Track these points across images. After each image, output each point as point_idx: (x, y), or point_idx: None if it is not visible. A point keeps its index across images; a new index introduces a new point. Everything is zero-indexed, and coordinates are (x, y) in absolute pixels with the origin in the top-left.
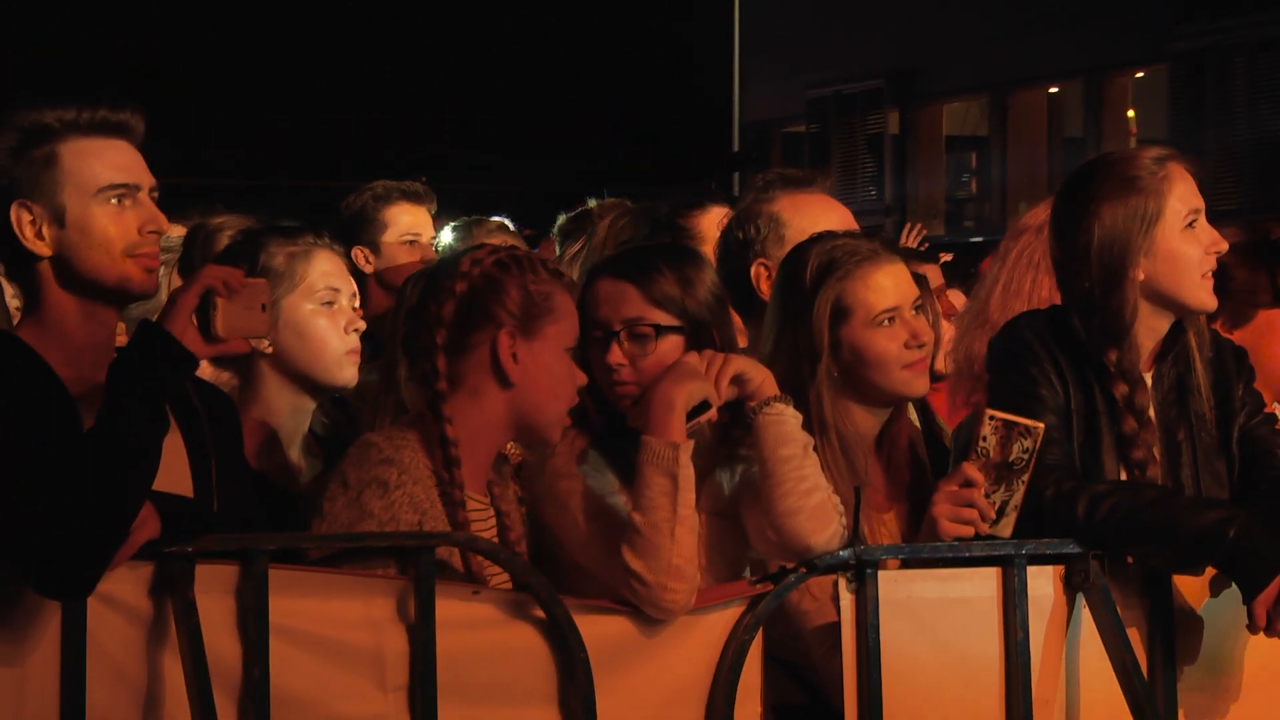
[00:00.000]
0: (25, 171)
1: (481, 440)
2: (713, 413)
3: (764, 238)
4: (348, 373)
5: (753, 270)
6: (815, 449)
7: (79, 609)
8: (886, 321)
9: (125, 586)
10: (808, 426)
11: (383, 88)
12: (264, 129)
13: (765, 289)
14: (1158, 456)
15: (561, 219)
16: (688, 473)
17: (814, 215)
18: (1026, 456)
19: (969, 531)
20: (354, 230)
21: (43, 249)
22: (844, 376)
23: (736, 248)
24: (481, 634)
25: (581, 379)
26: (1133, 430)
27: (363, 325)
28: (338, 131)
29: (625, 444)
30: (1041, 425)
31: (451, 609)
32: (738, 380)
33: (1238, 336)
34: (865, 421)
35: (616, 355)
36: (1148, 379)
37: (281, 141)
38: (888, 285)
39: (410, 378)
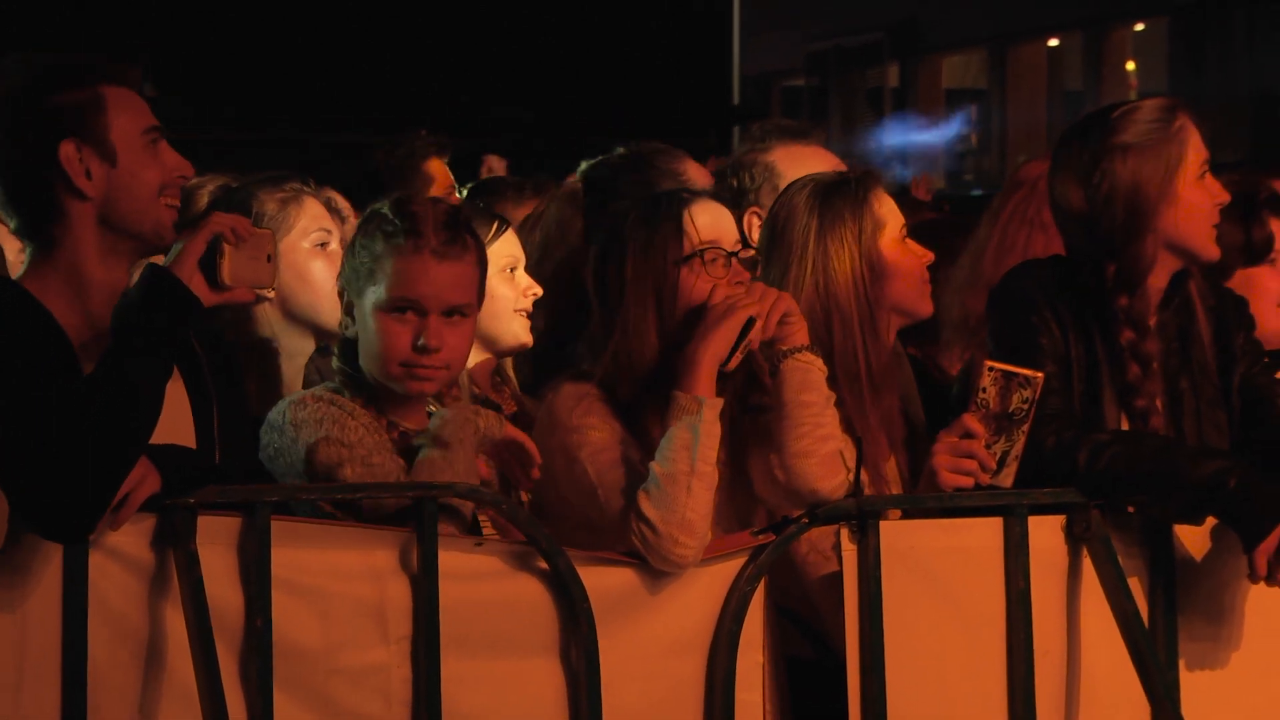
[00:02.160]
0: (72, 112)
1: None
2: (754, 337)
3: (758, 187)
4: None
5: (745, 218)
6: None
7: (80, 560)
8: (904, 238)
9: (127, 539)
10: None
11: (378, 38)
12: (266, 84)
13: (756, 238)
14: (1160, 406)
15: (584, 166)
16: (710, 429)
17: (809, 167)
18: (1026, 406)
19: (969, 482)
20: (399, 185)
21: (90, 189)
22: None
23: (730, 195)
24: (484, 585)
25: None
26: (1137, 378)
27: None
28: (332, 83)
29: (631, 397)
30: (1041, 375)
31: (454, 560)
32: (783, 320)
33: None
34: (882, 354)
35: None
36: (1151, 326)
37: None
38: (893, 204)
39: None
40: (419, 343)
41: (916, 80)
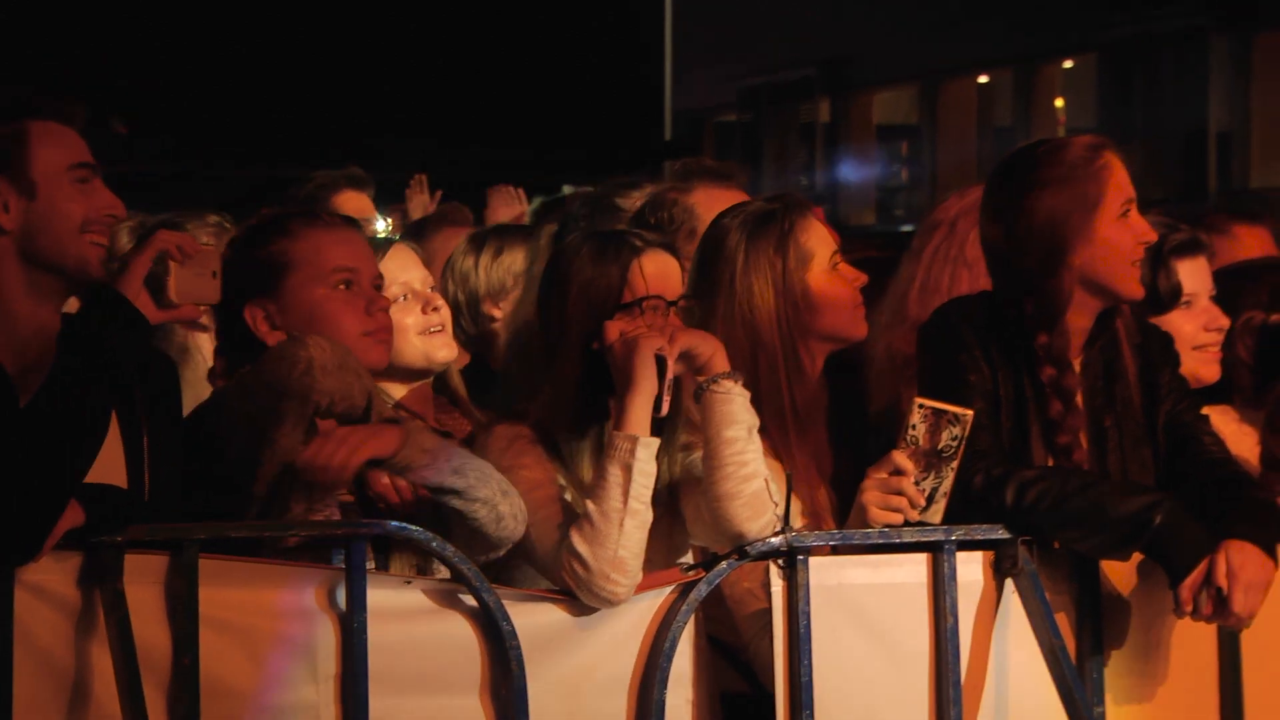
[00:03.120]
0: None
1: None
2: (670, 376)
3: (676, 228)
4: None
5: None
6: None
7: (5, 596)
8: (833, 266)
9: (54, 576)
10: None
11: (314, 75)
12: (194, 116)
13: None
14: (1084, 442)
15: (536, 203)
16: (645, 467)
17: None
18: (955, 444)
19: (898, 519)
20: None
21: (7, 222)
22: (797, 319)
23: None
24: (414, 623)
25: (383, 303)
26: (1059, 414)
27: None
28: (266, 120)
29: (566, 437)
30: (970, 412)
31: (383, 598)
32: (685, 356)
33: None
34: (812, 377)
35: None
36: (1076, 364)
37: (209, 129)
38: (824, 232)
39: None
40: None
41: (848, 116)
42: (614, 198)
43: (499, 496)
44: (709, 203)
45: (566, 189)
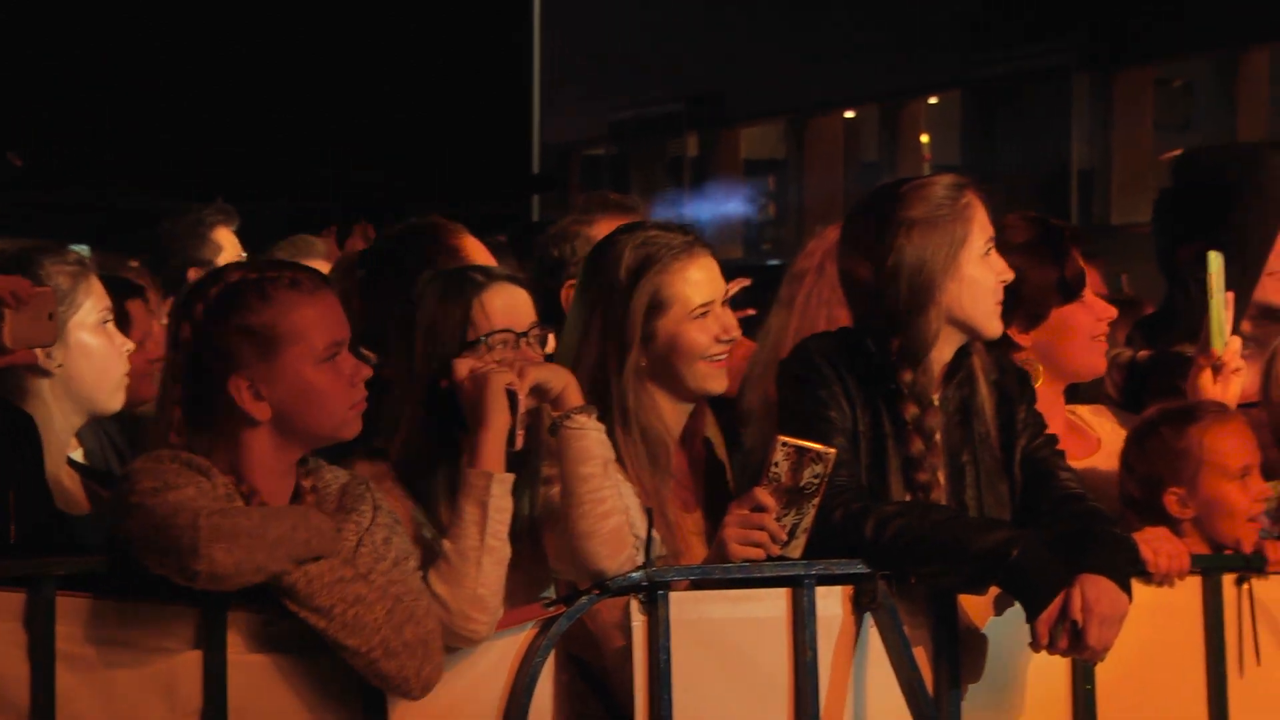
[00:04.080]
0: None
1: (259, 471)
2: (523, 410)
3: (579, 260)
4: (119, 399)
5: (563, 292)
6: (618, 443)
7: None
8: (701, 314)
9: None
10: (611, 420)
11: (174, 102)
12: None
13: None
14: (942, 479)
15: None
16: (501, 504)
17: None
18: (817, 481)
19: (759, 554)
20: (184, 252)
21: None
22: (652, 369)
23: (549, 265)
24: (275, 662)
25: (365, 372)
26: (919, 452)
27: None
28: (126, 147)
29: (423, 474)
30: (833, 451)
31: (245, 636)
32: (536, 390)
33: (1033, 338)
34: (670, 415)
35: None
36: (935, 401)
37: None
38: (703, 279)
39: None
40: None
41: (715, 150)
42: (440, 236)
43: (381, 655)
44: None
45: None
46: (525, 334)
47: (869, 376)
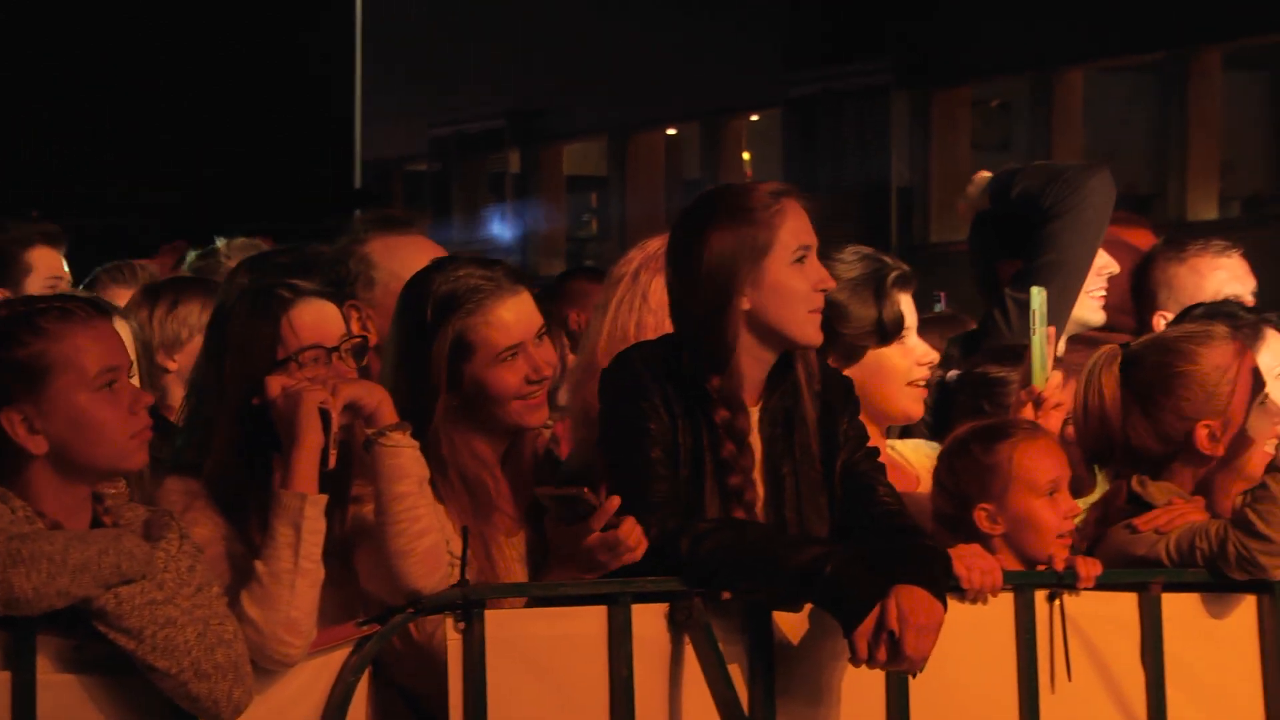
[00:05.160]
0: None
1: (51, 505)
2: (336, 429)
3: (354, 278)
4: None
5: (344, 310)
6: (435, 484)
7: None
8: (509, 357)
9: None
10: (429, 461)
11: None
12: None
13: (356, 329)
14: (758, 484)
15: (191, 257)
16: (314, 525)
17: (403, 258)
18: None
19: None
20: None
21: None
22: (465, 408)
23: (332, 288)
24: (85, 682)
25: (145, 399)
26: (731, 455)
27: None
28: None
29: (235, 493)
30: (584, 489)
31: (54, 658)
32: (350, 408)
33: (848, 375)
34: (486, 450)
35: None
36: (755, 411)
37: None
38: (511, 320)
39: None
40: None
41: (538, 167)
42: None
43: (192, 677)
44: (384, 250)
45: (219, 241)
46: (336, 348)
47: (687, 384)
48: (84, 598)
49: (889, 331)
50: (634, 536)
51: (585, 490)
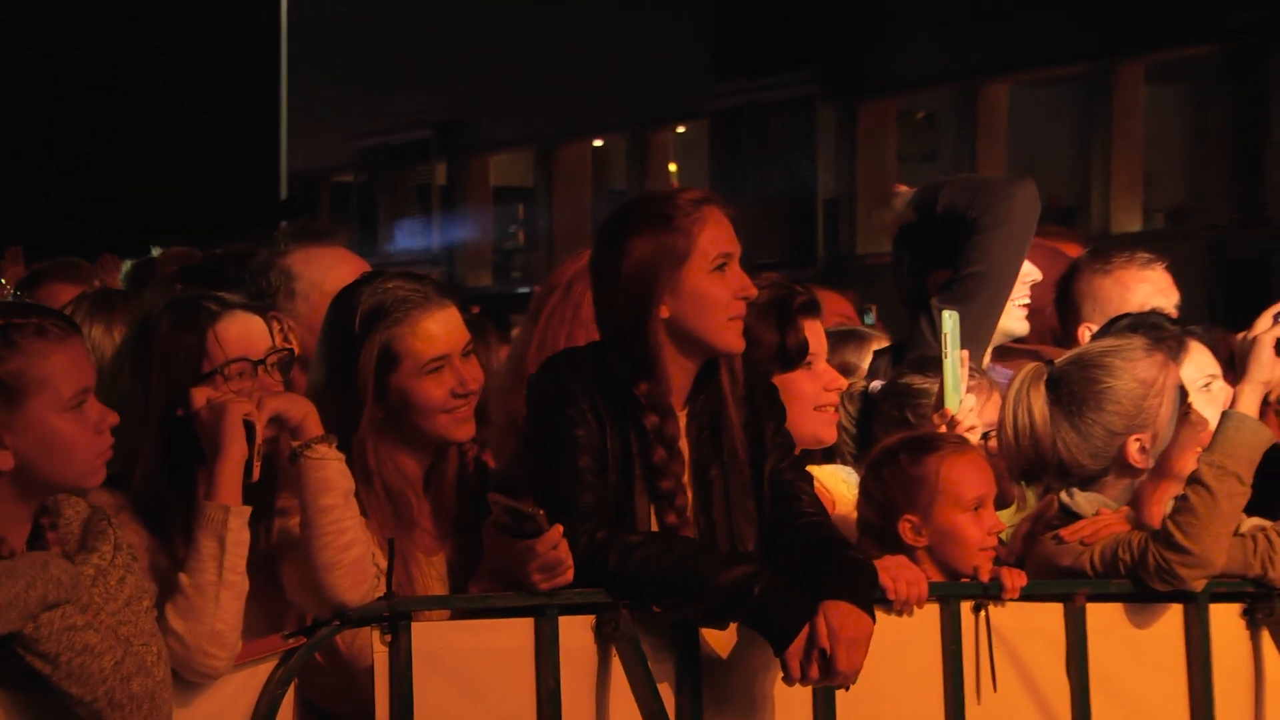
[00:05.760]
0: None
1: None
2: (260, 442)
3: (275, 290)
4: None
5: (268, 323)
6: (360, 499)
7: None
8: (435, 369)
9: None
10: (352, 472)
11: None
12: None
13: (279, 341)
14: (688, 488)
15: (127, 266)
16: (238, 537)
17: (325, 268)
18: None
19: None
20: None
21: None
22: (391, 421)
23: (254, 297)
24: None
25: (111, 419)
26: (662, 460)
27: None
28: None
29: (160, 506)
30: (541, 513)
31: None
32: (275, 420)
33: None
34: (410, 465)
35: None
36: (683, 415)
37: None
38: (437, 332)
39: None
40: None
41: (465, 178)
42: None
43: (106, 706)
44: (305, 262)
45: (155, 250)
46: (262, 361)
47: (614, 390)
48: (9, 633)
49: (793, 358)
50: (568, 560)
51: (540, 512)
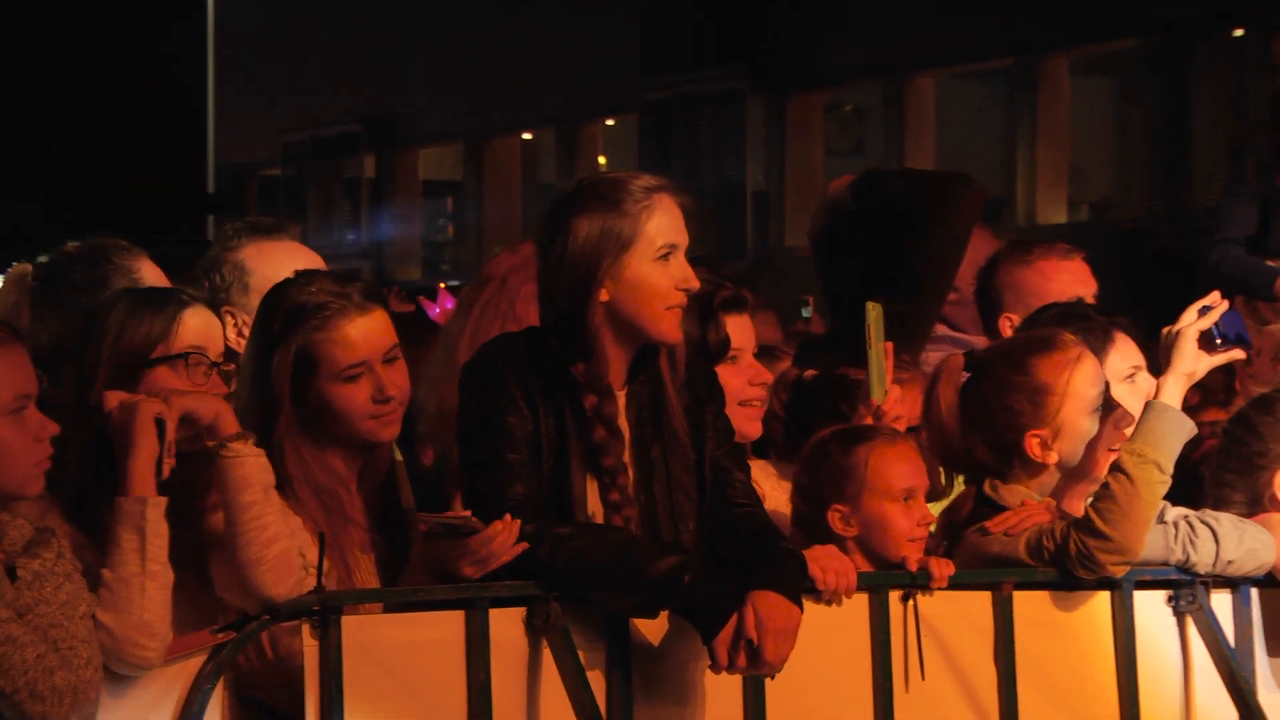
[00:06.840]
0: None
1: None
2: (171, 440)
3: (229, 286)
4: None
5: (221, 317)
6: (283, 497)
7: None
8: (354, 375)
9: None
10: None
11: None
12: None
13: (232, 337)
14: (629, 466)
15: (43, 259)
16: (157, 528)
17: (278, 262)
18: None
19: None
20: None
21: None
22: (313, 422)
23: (206, 295)
24: None
25: (51, 428)
26: (603, 439)
27: None
28: None
29: (90, 501)
30: (472, 519)
31: None
32: (187, 420)
33: None
34: (339, 463)
35: None
36: (621, 395)
37: None
38: (356, 339)
39: None
40: None
41: (393, 172)
42: (114, 257)
43: (27, 697)
44: (258, 256)
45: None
46: (217, 365)
47: (550, 372)
48: None
49: (713, 353)
50: (507, 546)
51: (472, 516)
